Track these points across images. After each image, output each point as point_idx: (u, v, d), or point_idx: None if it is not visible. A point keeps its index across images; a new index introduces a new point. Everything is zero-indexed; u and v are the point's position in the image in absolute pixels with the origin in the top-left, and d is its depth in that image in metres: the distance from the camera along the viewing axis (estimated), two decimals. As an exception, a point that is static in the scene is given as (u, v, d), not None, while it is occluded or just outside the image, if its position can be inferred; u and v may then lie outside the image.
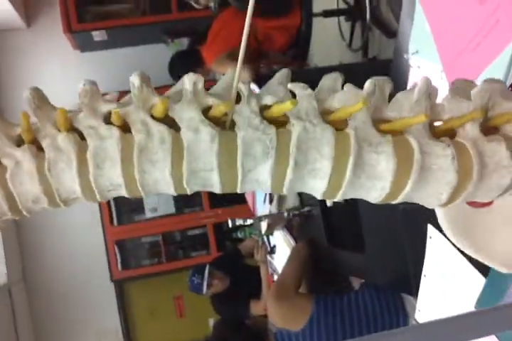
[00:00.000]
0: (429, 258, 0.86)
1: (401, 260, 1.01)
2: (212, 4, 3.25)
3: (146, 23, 4.11)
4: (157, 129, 0.35)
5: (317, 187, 0.36)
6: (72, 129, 0.37)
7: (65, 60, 4.23)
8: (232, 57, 2.23)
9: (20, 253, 4.09)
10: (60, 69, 4.17)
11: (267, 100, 0.36)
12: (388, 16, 2.46)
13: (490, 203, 0.41)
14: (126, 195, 0.38)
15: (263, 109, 0.36)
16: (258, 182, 0.36)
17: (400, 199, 0.36)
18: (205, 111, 0.36)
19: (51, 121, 0.37)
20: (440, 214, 0.64)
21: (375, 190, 0.36)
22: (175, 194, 0.38)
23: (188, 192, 0.37)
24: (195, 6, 3.40)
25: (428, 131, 0.36)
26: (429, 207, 0.38)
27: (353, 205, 1.34)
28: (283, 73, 0.38)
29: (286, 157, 0.35)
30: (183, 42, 3.86)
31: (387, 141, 0.35)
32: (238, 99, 0.37)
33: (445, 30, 0.75)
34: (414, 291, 0.94)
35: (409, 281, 0.96)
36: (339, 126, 0.36)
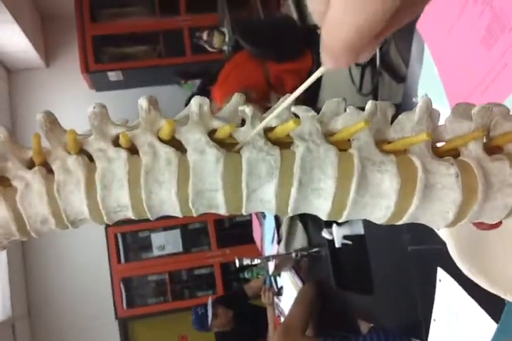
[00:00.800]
0: (438, 302, 0.85)
1: (410, 303, 0.99)
2: (226, 48, 3.36)
3: (160, 64, 4.24)
4: (164, 151, 0.36)
5: (322, 207, 0.36)
6: (82, 152, 0.38)
7: (81, 98, 4.35)
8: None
9: (26, 289, 4.07)
10: (76, 108, 4.26)
11: (271, 122, 0.37)
12: (398, 62, 2.51)
13: (498, 225, 0.41)
14: (133, 217, 0.38)
15: (267, 131, 0.37)
16: (263, 203, 0.36)
17: (405, 219, 0.36)
18: (211, 134, 0.37)
19: (62, 144, 0.38)
20: (448, 239, 0.63)
21: (379, 209, 0.36)
22: (181, 215, 0.38)
23: (194, 213, 0.37)
24: (209, 49, 3.51)
25: (431, 151, 0.37)
26: (436, 227, 0.38)
27: (361, 247, 1.33)
28: (287, 98, 0.39)
29: (290, 177, 0.35)
30: (196, 84, 3.96)
31: (390, 161, 0.36)
32: (243, 123, 0.38)
33: (453, 74, 0.77)
34: (423, 336, 0.92)
35: (419, 325, 0.94)
36: (342, 147, 0.36)
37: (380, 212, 0.36)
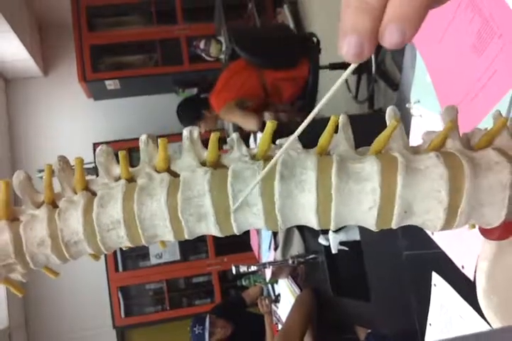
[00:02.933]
0: (434, 307, 0.85)
1: (406, 308, 1.00)
2: (222, 56, 3.37)
3: (158, 73, 4.24)
4: (159, 176, 0.40)
5: (308, 202, 0.37)
6: (87, 190, 0.42)
7: (79, 107, 4.35)
8: (241, 105, 2.29)
9: (23, 298, 4.04)
10: (74, 117, 4.28)
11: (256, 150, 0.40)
12: (393, 69, 2.53)
13: (508, 234, 0.39)
14: (124, 234, 0.40)
15: (252, 155, 0.40)
16: (250, 207, 0.38)
17: (398, 207, 0.35)
18: (202, 164, 0.41)
19: (71, 186, 0.42)
20: (481, 298, 0.55)
21: (366, 194, 0.36)
22: (170, 228, 0.40)
23: (184, 224, 0.39)
24: (207, 58, 3.53)
25: (410, 150, 0.38)
26: (436, 221, 0.36)
27: (357, 253, 1.33)
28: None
29: (273, 174, 0.37)
30: (193, 92, 3.97)
31: (369, 155, 0.38)
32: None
33: (445, 81, 0.78)
34: (419, 340, 0.92)
35: (415, 330, 0.95)
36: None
37: (368, 198, 0.36)
